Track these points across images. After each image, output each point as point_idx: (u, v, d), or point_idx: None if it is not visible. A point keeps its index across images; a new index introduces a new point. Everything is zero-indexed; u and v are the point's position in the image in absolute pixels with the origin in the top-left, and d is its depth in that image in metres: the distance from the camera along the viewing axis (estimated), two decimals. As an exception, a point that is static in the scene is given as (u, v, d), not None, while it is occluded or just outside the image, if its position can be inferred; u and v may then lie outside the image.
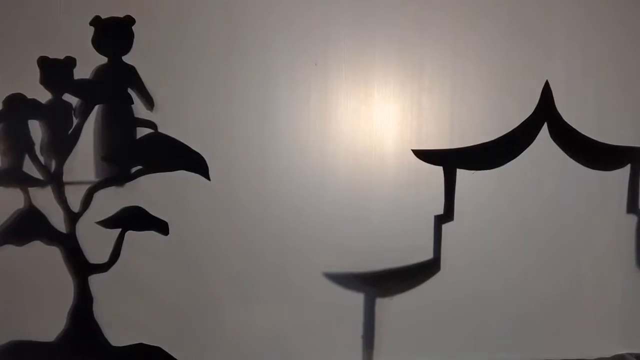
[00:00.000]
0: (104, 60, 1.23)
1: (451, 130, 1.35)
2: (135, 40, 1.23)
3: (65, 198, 1.22)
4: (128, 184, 1.26)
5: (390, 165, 1.36)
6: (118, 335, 1.29)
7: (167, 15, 1.25)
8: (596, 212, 1.43)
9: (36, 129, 1.22)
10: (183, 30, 1.26)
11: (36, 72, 1.19)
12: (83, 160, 1.23)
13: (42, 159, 1.21)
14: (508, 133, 1.36)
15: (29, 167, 1.21)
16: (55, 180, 1.21)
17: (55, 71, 1.20)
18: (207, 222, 1.32)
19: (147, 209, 1.26)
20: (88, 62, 1.22)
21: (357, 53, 1.31)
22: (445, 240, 1.39)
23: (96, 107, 1.23)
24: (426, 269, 1.39)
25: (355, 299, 1.39)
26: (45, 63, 1.19)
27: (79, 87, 1.20)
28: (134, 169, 1.25)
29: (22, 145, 1.20)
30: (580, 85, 1.38)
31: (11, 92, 1.19)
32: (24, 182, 1.20)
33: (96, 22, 1.21)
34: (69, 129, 1.22)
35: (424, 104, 1.34)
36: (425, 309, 1.41)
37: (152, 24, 1.24)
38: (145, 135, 1.26)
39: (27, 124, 1.20)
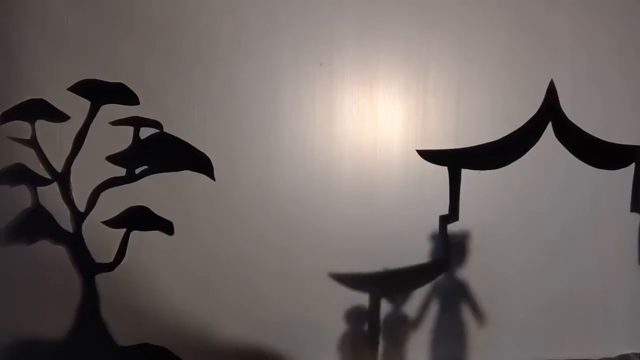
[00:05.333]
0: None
1: (456, 130, 1.36)
2: (139, 41, 1.24)
3: (72, 198, 1.22)
4: (133, 184, 1.26)
5: (395, 165, 1.36)
6: (124, 335, 1.29)
7: (171, 14, 1.26)
8: (601, 211, 1.44)
9: (45, 128, 1.22)
10: (188, 30, 1.26)
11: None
12: (89, 160, 1.23)
13: (50, 158, 1.22)
14: (513, 133, 1.36)
15: (37, 166, 1.21)
16: (62, 180, 1.22)
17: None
18: (212, 222, 1.32)
19: (152, 209, 1.27)
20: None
21: (362, 53, 1.31)
22: (451, 240, 1.39)
23: (102, 107, 1.23)
24: (431, 269, 1.40)
25: (361, 299, 1.39)
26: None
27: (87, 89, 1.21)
28: (139, 169, 1.25)
29: (30, 144, 1.20)
30: (585, 85, 1.38)
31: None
32: (32, 181, 1.20)
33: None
34: (77, 129, 1.22)
35: (429, 104, 1.35)
36: (430, 308, 1.41)
37: (156, 24, 1.25)
38: (151, 135, 1.26)
39: (35, 123, 1.21)
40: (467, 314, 1.43)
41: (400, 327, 1.41)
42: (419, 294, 1.41)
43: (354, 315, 1.39)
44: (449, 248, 1.39)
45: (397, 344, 1.42)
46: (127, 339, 1.29)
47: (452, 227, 1.38)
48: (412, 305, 1.41)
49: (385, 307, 1.41)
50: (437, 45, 1.33)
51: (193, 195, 1.29)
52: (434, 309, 1.41)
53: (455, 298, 1.42)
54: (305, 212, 1.34)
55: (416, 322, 1.41)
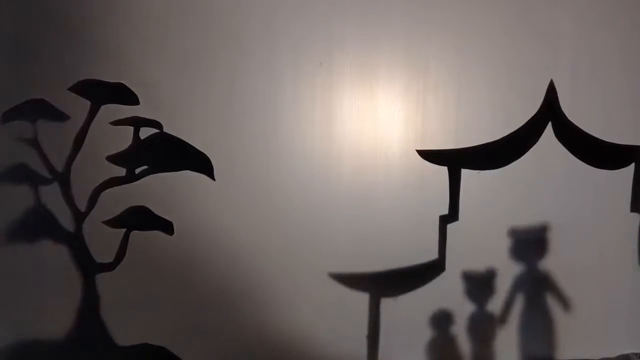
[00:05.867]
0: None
1: (456, 130, 1.36)
2: (140, 41, 1.24)
3: (72, 197, 1.23)
4: (133, 184, 1.26)
5: (395, 165, 1.36)
6: (123, 335, 1.29)
7: (172, 14, 1.26)
8: (601, 211, 1.44)
9: (45, 128, 1.22)
10: (187, 30, 1.26)
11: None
12: (89, 160, 1.23)
13: (50, 158, 1.22)
14: (513, 133, 1.37)
15: (38, 166, 1.21)
16: (62, 179, 1.22)
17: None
18: (212, 222, 1.32)
19: (152, 209, 1.27)
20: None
21: (362, 53, 1.31)
22: (450, 240, 1.39)
23: (102, 107, 1.23)
24: (431, 269, 1.39)
25: (360, 299, 1.39)
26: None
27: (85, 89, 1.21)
28: (139, 169, 1.26)
29: (30, 144, 1.21)
30: (585, 85, 1.39)
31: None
32: (33, 180, 1.20)
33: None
34: (77, 129, 1.22)
35: (429, 104, 1.35)
36: (430, 308, 1.41)
37: (157, 24, 1.25)
38: (151, 135, 1.26)
39: (36, 123, 1.21)
40: (551, 303, 1.46)
41: (486, 325, 1.43)
42: (502, 291, 1.43)
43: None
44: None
45: (485, 343, 1.44)
46: (127, 339, 1.29)
47: (452, 227, 1.38)
48: (413, 302, 1.41)
49: (470, 306, 1.42)
50: (438, 45, 1.33)
51: (193, 195, 1.30)
52: (518, 303, 1.44)
53: (538, 289, 1.44)
54: (305, 212, 1.34)
55: (502, 319, 1.43)
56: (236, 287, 1.35)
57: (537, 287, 1.45)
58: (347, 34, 1.30)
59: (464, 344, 1.43)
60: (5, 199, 1.22)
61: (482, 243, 1.41)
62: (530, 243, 1.42)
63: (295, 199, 1.34)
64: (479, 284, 1.41)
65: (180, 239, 1.28)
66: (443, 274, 1.40)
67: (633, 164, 1.43)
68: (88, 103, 1.22)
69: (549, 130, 1.39)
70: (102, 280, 1.26)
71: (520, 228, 1.41)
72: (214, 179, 1.28)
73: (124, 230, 1.25)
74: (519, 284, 1.43)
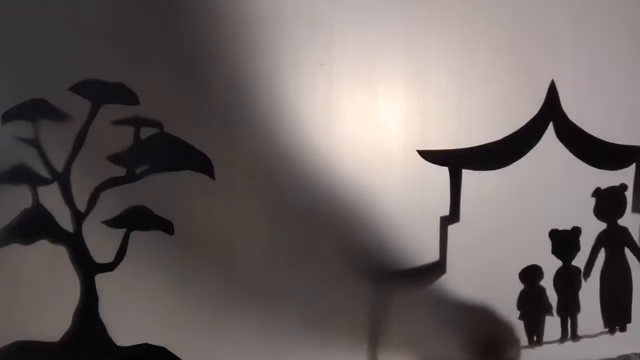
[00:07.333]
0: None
1: (457, 131, 1.36)
2: (140, 41, 1.24)
3: (72, 197, 1.23)
4: (134, 184, 1.26)
5: (396, 165, 1.36)
6: (123, 335, 1.29)
7: (171, 14, 1.26)
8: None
9: (45, 128, 1.22)
10: (187, 30, 1.26)
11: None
12: (90, 160, 1.23)
13: (49, 158, 1.22)
14: (514, 133, 1.37)
15: (37, 166, 1.21)
16: (63, 179, 1.22)
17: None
18: (211, 222, 1.32)
19: (152, 209, 1.27)
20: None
21: (362, 53, 1.31)
22: (451, 241, 1.39)
23: (102, 107, 1.23)
24: (432, 270, 1.39)
25: (361, 300, 1.39)
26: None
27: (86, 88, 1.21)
28: (139, 169, 1.26)
29: (30, 144, 1.21)
30: (586, 85, 1.39)
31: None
32: (32, 180, 1.20)
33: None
34: (77, 129, 1.22)
35: (430, 104, 1.35)
36: (431, 309, 1.41)
37: (157, 24, 1.25)
38: (151, 135, 1.26)
39: (36, 123, 1.21)
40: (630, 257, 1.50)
41: (572, 279, 1.46)
42: (587, 247, 1.46)
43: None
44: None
45: (571, 295, 1.47)
46: (127, 339, 1.29)
47: (452, 228, 1.38)
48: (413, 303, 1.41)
49: (556, 262, 1.45)
50: (438, 45, 1.33)
51: (193, 195, 1.30)
52: (600, 258, 1.48)
53: (617, 245, 1.48)
54: (305, 212, 1.34)
55: (586, 272, 1.47)
56: (235, 287, 1.35)
57: (616, 241, 1.48)
58: (347, 34, 1.30)
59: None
60: (5, 199, 1.22)
61: (482, 244, 1.40)
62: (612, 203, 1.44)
63: (295, 199, 1.34)
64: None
65: (180, 238, 1.28)
66: (444, 275, 1.40)
67: (634, 164, 1.43)
68: (88, 103, 1.22)
69: (549, 130, 1.39)
70: (102, 280, 1.26)
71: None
72: (214, 179, 1.28)
73: (124, 230, 1.25)
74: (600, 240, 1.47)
